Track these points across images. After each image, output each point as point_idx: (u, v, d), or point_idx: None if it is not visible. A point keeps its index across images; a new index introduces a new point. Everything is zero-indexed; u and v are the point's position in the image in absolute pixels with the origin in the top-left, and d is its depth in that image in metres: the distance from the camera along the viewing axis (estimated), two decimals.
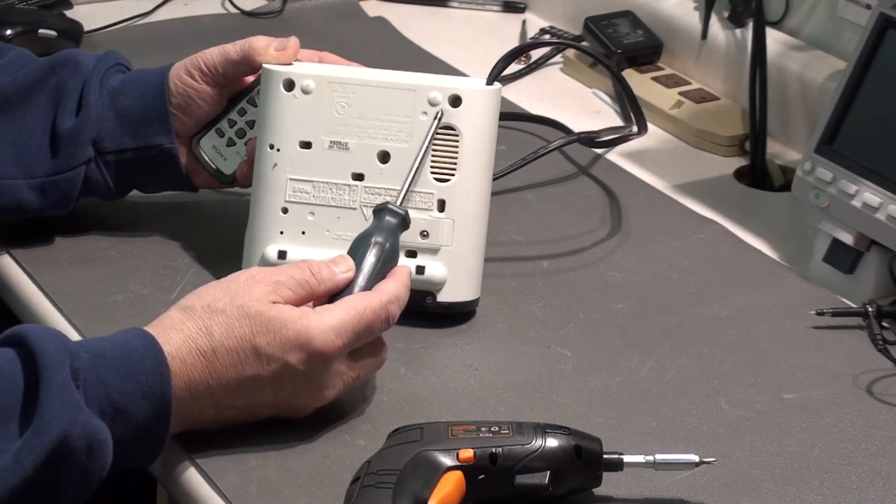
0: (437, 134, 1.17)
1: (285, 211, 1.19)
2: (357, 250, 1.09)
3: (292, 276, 1.04)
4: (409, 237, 1.16)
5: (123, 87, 1.26)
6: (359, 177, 1.18)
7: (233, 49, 1.24)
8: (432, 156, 1.18)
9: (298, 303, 1.04)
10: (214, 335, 1.01)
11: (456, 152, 1.18)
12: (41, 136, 1.25)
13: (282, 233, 1.19)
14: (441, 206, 1.18)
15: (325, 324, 1.02)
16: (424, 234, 1.18)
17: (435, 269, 1.17)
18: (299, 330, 1.01)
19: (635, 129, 1.41)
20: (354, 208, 1.18)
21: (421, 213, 1.17)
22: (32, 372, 0.94)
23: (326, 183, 1.19)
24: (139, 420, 0.97)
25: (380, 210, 1.12)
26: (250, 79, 1.27)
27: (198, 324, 1.01)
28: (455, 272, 1.18)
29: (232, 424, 1.04)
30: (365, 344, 1.06)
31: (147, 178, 1.28)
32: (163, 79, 1.25)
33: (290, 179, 1.19)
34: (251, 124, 1.27)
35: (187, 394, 1.00)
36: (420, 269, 1.17)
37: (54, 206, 1.25)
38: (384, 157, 1.18)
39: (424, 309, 1.18)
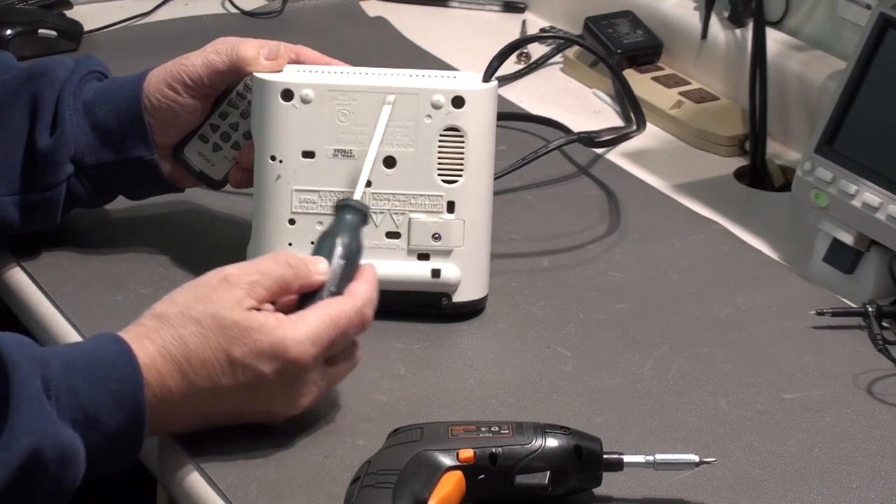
0: (443, 136, 1.18)
1: (292, 222, 1.18)
2: (324, 252, 1.08)
3: (268, 273, 1.03)
4: (421, 240, 1.17)
5: (97, 98, 1.23)
6: (366, 183, 1.18)
7: (219, 59, 1.21)
8: (439, 158, 1.18)
9: (272, 299, 1.03)
10: (189, 345, 1.00)
11: (462, 153, 1.18)
12: (21, 151, 1.22)
13: (290, 244, 1.18)
14: (451, 207, 1.18)
15: (301, 333, 1.01)
16: (436, 237, 1.18)
17: (450, 271, 1.18)
18: (274, 340, 1.01)
19: (634, 126, 1.41)
20: None
21: (431, 217, 1.17)
22: (3, 385, 0.93)
23: (333, 192, 1.18)
24: (112, 428, 0.97)
25: (341, 207, 1.11)
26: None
27: (171, 333, 1.00)
28: (468, 272, 1.18)
29: (214, 427, 1.03)
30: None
31: (130, 188, 1.27)
32: (137, 90, 1.22)
33: (296, 190, 1.18)
34: (235, 126, 1.25)
35: (163, 403, 0.99)
36: (436, 273, 1.17)
37: (38, 222, 1.24)
38: (390, 162, 1.18)
39: (440, 311, 1.18)
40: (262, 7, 1.79)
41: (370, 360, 1.14)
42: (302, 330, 1.02)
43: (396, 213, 1.18)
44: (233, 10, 1.79)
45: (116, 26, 1.72)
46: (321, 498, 0.99)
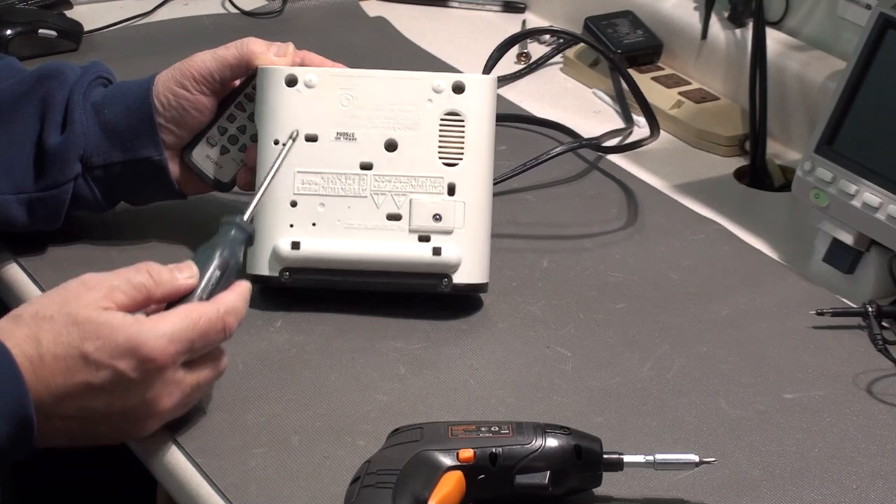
0: (444, 119, 1.19)
1: (294, 204, 1.19)
2: (201, 261, 1.06)
3: (128, 280, 1.01)
4: (422, 221, 1.18)
5: (106, 100, 1.24)
6: (367, 166, 1.19)
7: (228, 53, 1.23)
8: (440, 141, 1.19)
9: (133, 307, 1.01)
10: (42, 342, 0.98)
11: (462, 137, 1.20)
12: (29, 150, 1.23)
13: (291, 226, 1.19)
14: (451, 189, 1.19)
15: (158, 329, 0.99)
16: (437, 218, 1.18)
17: (450, 250, 1.18)
18: (130, 335, 0.98)
19: (636, 129, 1.41)
20: (365, 196, 1.19)
21: (432, 198, 1.18)
22: None
23: (335, 174, 1.19)
24: (2, 443, 0.96)
25: (227, 224, 1.10)
26: (236, 83, 1.26)
27: (24, 332, 0.98)
28: (468, 254, 1.19)
29: (70, 441, 1.01)
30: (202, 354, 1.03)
31: (136, 191, 1.27)
32: (147, 91, 1.23)
33: (298, 172, 1.19)
34: (242, 129, 1.26)
35: None
36: (436, 251, 1.18)
37: (42, 221, 1.24)
38: (391, 145, 1.19)
39: (440, 292, 1.18)
40: (262, 7, 1.79)
41: (370, 360, 1.14)
42: (160, 327, 0.99)
43: (397, 195, 1.19)
44: (233, 10, 1.79)
45: (116, 26, 1.72)
46: (321, 498, 0.99)
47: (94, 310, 0.99)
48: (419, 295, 1.20)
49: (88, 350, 0.98)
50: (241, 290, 1.06)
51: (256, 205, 1.14)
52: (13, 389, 0.96)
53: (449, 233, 1.19)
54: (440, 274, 1.18)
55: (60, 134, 1.23)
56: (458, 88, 1.20)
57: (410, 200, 1.19)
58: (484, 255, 1.20)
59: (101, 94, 1.25)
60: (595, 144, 1.43)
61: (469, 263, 1.19)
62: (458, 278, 1.19)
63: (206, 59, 1.23)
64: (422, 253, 1.18)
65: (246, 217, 1.11)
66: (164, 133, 1.24)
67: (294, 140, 1.18)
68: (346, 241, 1.18)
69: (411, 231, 1.19)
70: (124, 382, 0.98)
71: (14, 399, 0.96)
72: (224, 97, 1.26)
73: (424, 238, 1.18)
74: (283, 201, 1.19)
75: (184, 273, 1.04)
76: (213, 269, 1.06)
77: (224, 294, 1.05)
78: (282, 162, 1.18)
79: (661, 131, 1.54)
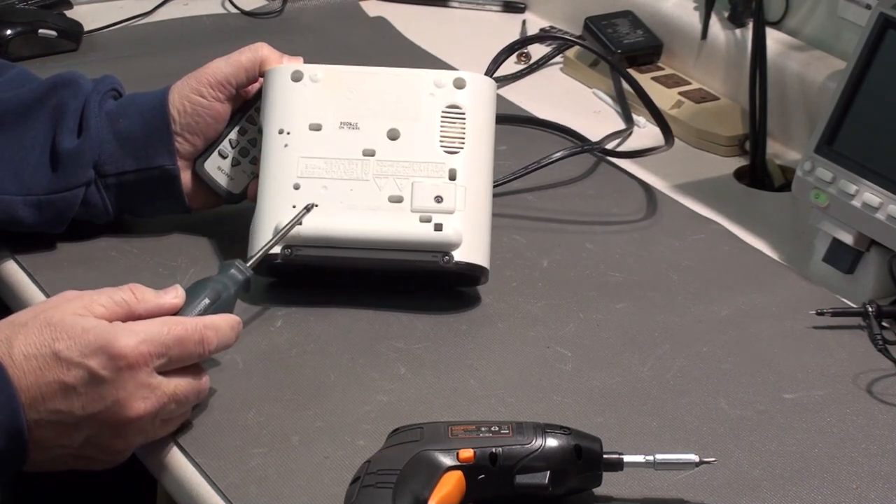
0: (445, 112, 1.21)
1: (297, 187, 1.20)
2: (191, 289, 1.07)
3: (110, 296, 1.01)
4: (423, 202, 1.18)
5: (121, 109, 1.26)
6: (370, 153, 1.20)
7: (242, 56, 1.25)
8: (441, 131, 1.21)
9: (112, 320, 1.00)
10: (13, 344, 0.97)
11: (463, 128, 1.21)
12: (40, 153, 1.24)
13: (294, 207, 1.19)
14: (452, 175, 1.20)
15: (130, 329, 0.99)
16: (439, 199, 1.19)
17: (452, 227, 1.18)
18: (101, 333, 0.98)
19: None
20: (367, 180, 1.20)
21: (434, 181, 1.19)
22: None
23: (338, 159, 1.20)
24: None
25: (227, 264, 1.11)
26: (252, 89, 1.27)
27: None
28: (469, 234, 1.19)
29: (50, 460, 1.00)
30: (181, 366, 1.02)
31: (145, 201, 1.27)
32: (162, 101, 1.25)
33: (302, 157, 1.20)
34: (253, 142, 1.27)
35: None
36: (438, 227, 1.18)
37: (48, 223, 1.24)
38: (394, 134, 1.21)
39: (442, 269, 1.18)
40: (262, 7, 1.79)
41: (370, 360, 1.14)
42: (132, 328, 0.99)
43: (399, 178, 1.20)
44: (233, 10, 1.79)
45: (116, 26, 1.72)
46: (321, 498, 0.99)
47: (70, 314, 0.99)
48: (419, 293, 1.21)
49: (59, 348, 0.97)
50: (228, 317, 1.05)
51: (263, 252, 1.14)
52: (7, 404, 0.95)
53: (450, 213, 1.19)
54: (441, 251, 1.18)
55: (76, 139, 1.24)
56: (460, 84, 1.22)
57: (412, 183, 1.19)
58: (485, 240, 1.20)
59: (115, 104, 1.27)
60: (600, 149, 1.44)
61: (470, 243, 1.19)
62: (460, 256, 1.18)
63: (221, 65, 1.25)
64: (423, 229, 1.18)
65: (249, 263, 1.12)
66: (178, 142, 1.25)
67: (309, 210, 1.18)
68: (348, 218, 1.18)
69: (413, 211, 1.19)
70: (96, 380, 0.98)
71: (8, 416, 0.95)
72: (235, 110, 1.27)
73: (426, 219, 1.19)
74: (286, 185, 1.20)
75: (169, 294, 1.04)
76: (202, 297, 1.06)
77: (212, 315, 1.05)
78: (294, 224, 1.17)
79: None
